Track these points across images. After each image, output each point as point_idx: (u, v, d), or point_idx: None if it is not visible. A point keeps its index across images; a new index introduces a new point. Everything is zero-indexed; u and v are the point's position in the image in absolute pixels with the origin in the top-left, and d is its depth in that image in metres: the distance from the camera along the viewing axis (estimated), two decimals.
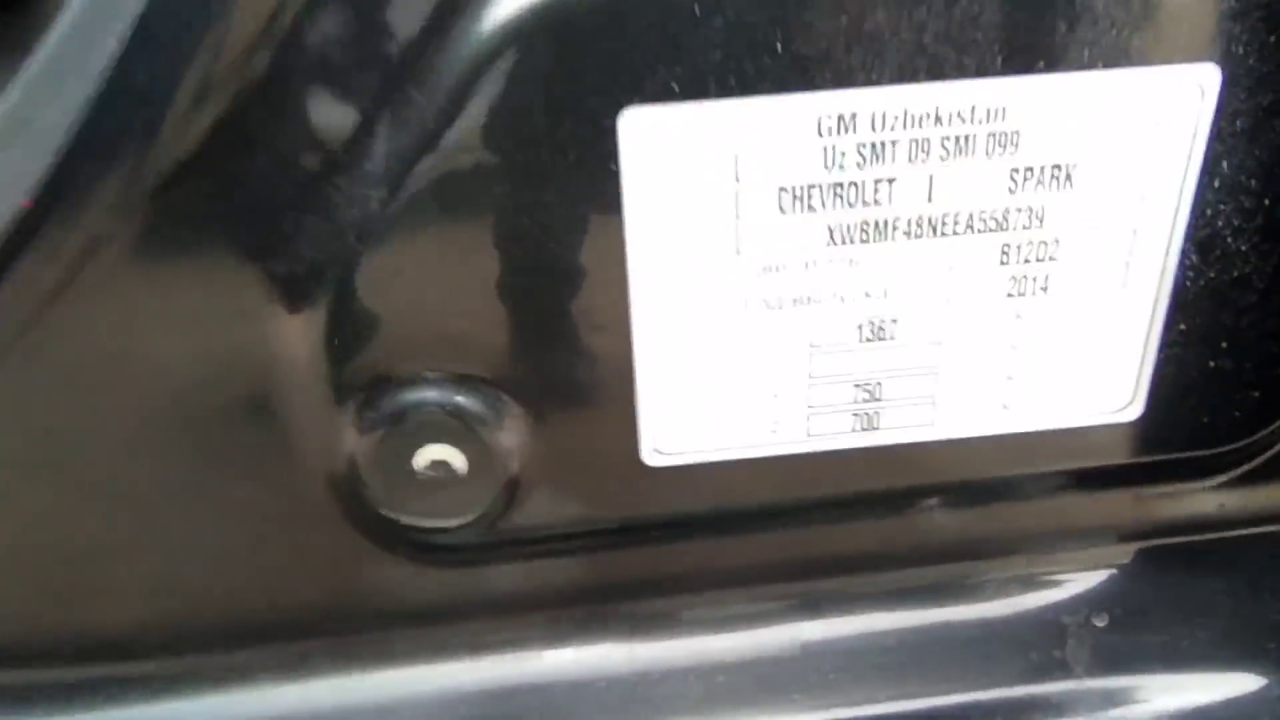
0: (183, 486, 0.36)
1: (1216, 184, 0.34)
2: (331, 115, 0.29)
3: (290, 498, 0.36)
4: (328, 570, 0.38)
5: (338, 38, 0.27)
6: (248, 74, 0.28)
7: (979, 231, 0.34)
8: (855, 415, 0.37)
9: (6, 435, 0.35)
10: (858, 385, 0.36)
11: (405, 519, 0.36)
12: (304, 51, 0.28)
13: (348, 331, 0.32)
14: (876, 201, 0.32)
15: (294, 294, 0.31)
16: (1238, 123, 0.33)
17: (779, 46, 0.29)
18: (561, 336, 0.34)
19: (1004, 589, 0.41)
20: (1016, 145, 0.32)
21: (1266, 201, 0.35)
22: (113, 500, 0.36)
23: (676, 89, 0.29)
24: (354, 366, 0.33)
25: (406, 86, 0.28)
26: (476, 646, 0.39)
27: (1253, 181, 0.34)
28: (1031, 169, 0.33)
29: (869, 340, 0.35)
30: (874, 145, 0.31)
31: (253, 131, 0.29)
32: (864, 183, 0.32)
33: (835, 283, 0.34)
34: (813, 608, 0.40)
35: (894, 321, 0.35)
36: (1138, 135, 0.32)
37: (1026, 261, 0.34)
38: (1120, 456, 0.40)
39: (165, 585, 0.38)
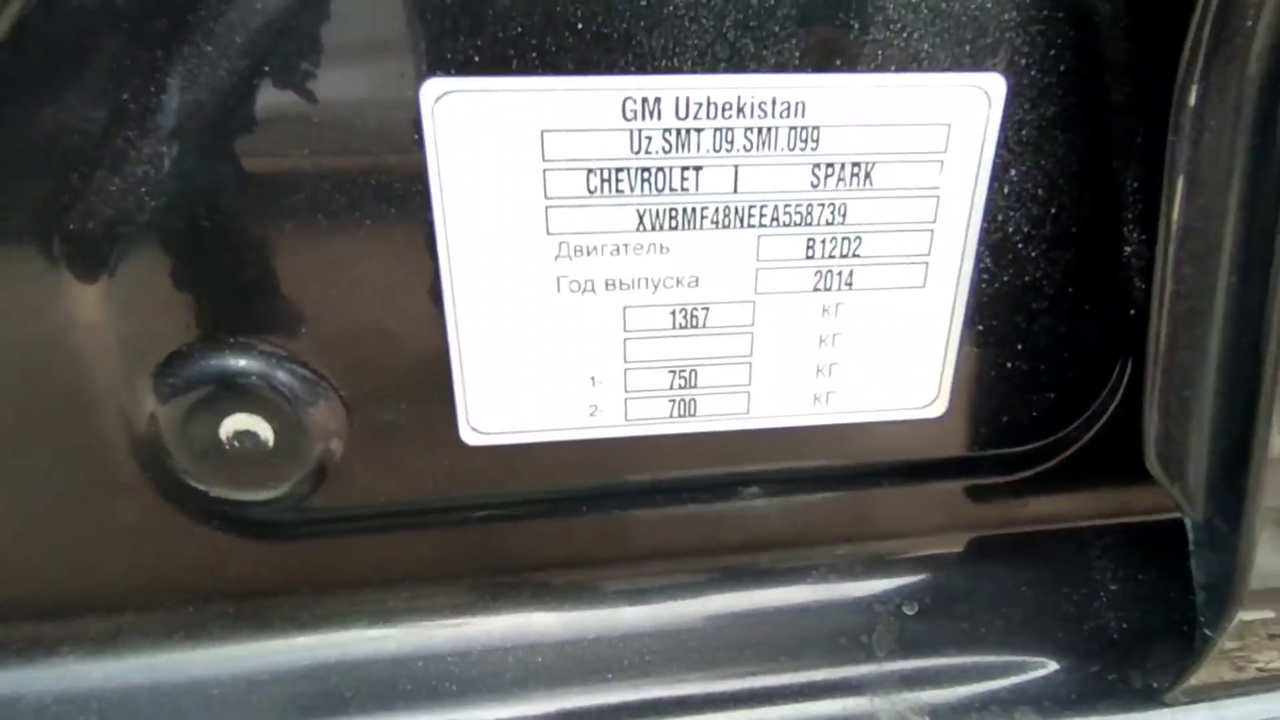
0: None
1: (1006, 191, 0.33)
2: (120, 64, 0.25)
3: (94, 465, 0.31)
4: (138, 542, 0.33)
5: None
6: (30, 17, 0.25)
7: (784, 224, 0.31)
8: (672, 401, 0.34)
9: None
10: (673, 372, 0.34)
11: (213, 491, 0.32)
12: None
13: (142, 294, 0.28)
14: (684, 189, 0.30)
15: (86, 253, 0.28)
16: (1023, 132, 0.32)
17: (579, 24, 0.27)
18: (372, 310, 0.30)
19: (823, 577, 0.39)
20: (817, 141, 0.30)
21: (1053, 211, 0.33)
22: None
23: (478, 61, 0.27)
24: (150, 331, 0.29)
25: (198, 38, 0.25)
26: (295, 623, 0.35)
27: (1040, 190, 0.33)
28: (832, 165, 0.31)
29: (683, 327, 0.33)
30: (679, 132, 0.29)
31: (39, 78, 0.25)
32: (671, 169, 0.30)
33: (646, 268, 0.31)
34: (635, 591, 0.37)
35: (706, 310, 0.33)
36: (931, 138, 0.31)
37: (830, 256, 0.32)
38: (929, 452, 0.38)
39: None
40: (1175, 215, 0.26)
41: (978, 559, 0.41)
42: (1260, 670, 0.36)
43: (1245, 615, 0.34)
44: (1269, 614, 0.34)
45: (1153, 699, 0.34)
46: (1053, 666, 0.36)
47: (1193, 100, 0.25)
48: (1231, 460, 0.28)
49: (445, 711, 0.34)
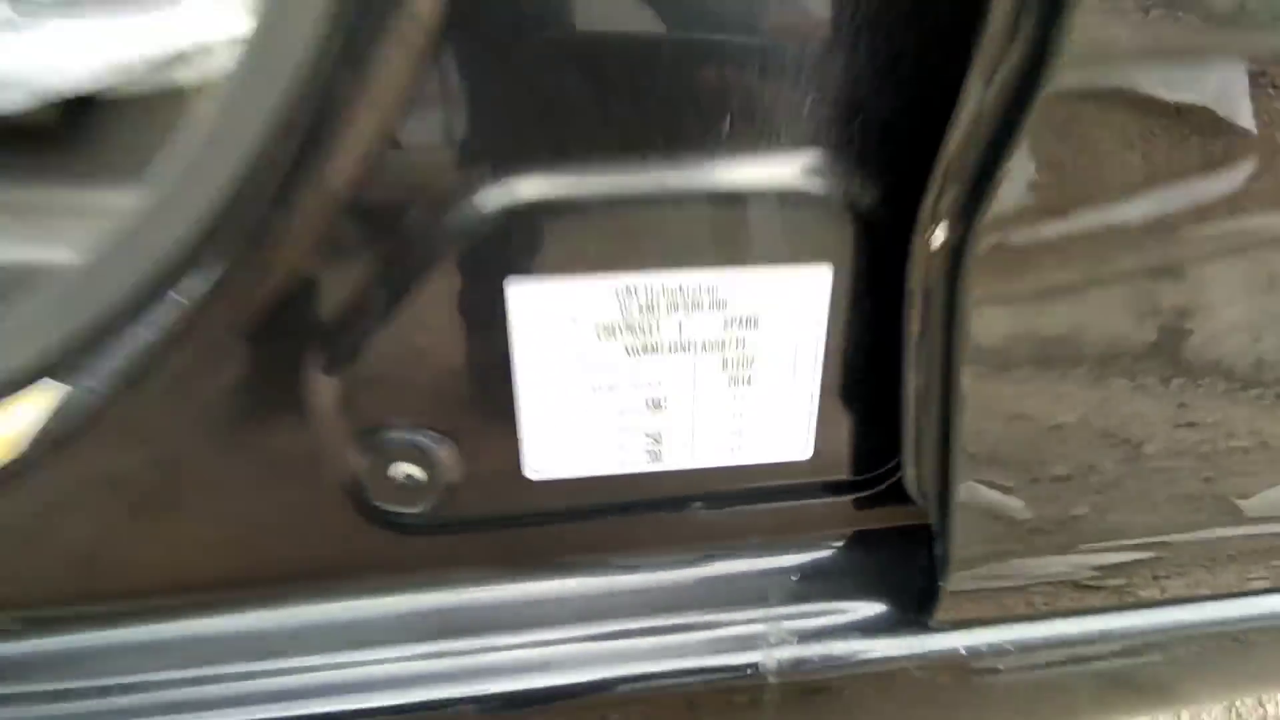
0: (247, 487, 0.50)
1: (841, 330, 0.52)
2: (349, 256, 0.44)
3: (317, 491, 0.50)
4: (336, 536, 0.52)
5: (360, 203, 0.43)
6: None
7: (709, 351, 0.50)
8: (648, 452, 0.53)
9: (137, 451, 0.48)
10: (648, 435, 0.53)
11: (385, 506, 0.51)
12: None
13: (357, 392, 0.47)
14: (651, 333, 0.49)
15: (328, 359, 0.46)
16: (846, 299, 0.51)
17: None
18: (477, 404, 0.49)
19: (739, 556, 0.57)
20: (726, 304, 0.49)
21: (868, 341, 0.52)
22: (192, 486, 0.49)
23: (534, 272, 0.46)
24: (360, 414, 0.48)
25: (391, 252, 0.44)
26: (427, 586, 0.54)
27: (864, 332, 0.52)
28: (737, 318, 0.50)
29: (653, 409, 0.52)
30: (648, 303, 0.48)
31: (311, 263, 0.44)
32: (644, 324, 0.49)
33: (632, 377, 0.50)
34: (627, 566, 0.56)
35: (666, 399, 0.52)
36: (791, 302, 0.50)
37: (739, 367, 0.51)
38: (806, 479, 0.57)
39: (221, 544, 0.51)
40: (912, 335, 0.46)
41: (842, 547, 0.60)
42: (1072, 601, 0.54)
43: (1128, 556, 0.50)
44: (1151, 555, 0.51)
45: (926, 627, 0.53)
46: (879, 608, 0.55)
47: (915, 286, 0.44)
48: (945, 487, 0.47)
49: (510, 636, 0.53)
